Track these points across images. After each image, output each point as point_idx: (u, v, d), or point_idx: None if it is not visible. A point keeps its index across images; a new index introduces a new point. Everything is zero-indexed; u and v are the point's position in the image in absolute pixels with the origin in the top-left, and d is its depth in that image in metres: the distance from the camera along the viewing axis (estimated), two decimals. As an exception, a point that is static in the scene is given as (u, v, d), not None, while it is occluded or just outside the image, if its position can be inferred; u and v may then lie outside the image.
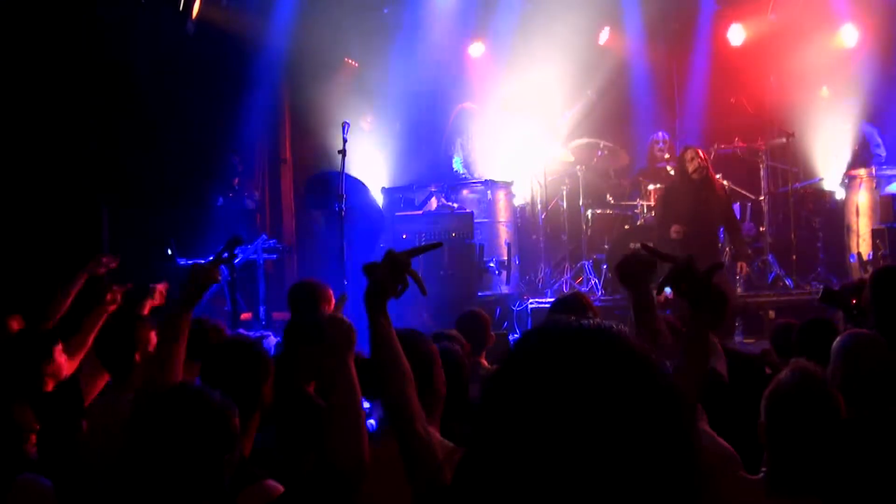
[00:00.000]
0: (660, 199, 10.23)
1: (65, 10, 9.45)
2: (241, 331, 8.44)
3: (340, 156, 8.61)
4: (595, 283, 10.63)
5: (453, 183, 10.99)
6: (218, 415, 2.60)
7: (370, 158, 12.11)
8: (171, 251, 10.15)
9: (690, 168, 9.48)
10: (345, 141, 8.81)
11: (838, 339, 4.02)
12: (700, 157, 9.50)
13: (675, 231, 9.43)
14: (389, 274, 2.62)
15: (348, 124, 8.85)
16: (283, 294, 10.65)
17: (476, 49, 12.63)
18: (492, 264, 10.28)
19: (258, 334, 6.45)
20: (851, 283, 5.92)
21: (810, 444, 2.83)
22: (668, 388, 1.25)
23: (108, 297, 5.24)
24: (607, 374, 1.22)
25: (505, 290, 10.38)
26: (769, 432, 2.89)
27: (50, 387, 4.42)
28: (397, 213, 10.27)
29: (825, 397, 2.87)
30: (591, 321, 1.32)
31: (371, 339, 2.64)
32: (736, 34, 12.18)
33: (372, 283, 2.63)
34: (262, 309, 10.64)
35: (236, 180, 11.28)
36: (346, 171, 8.87)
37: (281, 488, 3.04)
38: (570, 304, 4.76)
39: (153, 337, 4.46)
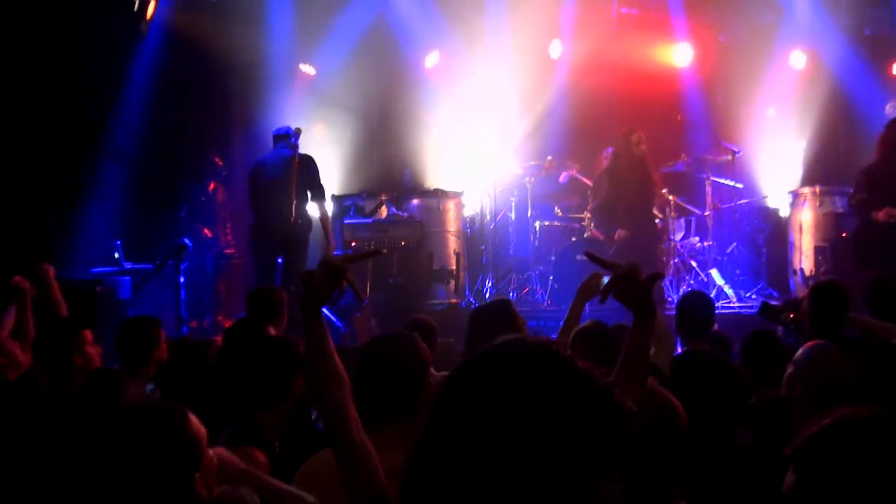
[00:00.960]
0: (606, 172, 10.69)
1: (13, 6, 9.34)
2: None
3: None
4: (541, 293, 10.71)
5: (404, 192, 11.01)
6: (177, 432, 2.44)
7: (321, 165, 12.06)
8: (118, 254, 10.05)
9: (636, 151, 10.15)
10: (296, 146, 8.82)
11: (801, 349, 4.06)
12: (644, 142, 10.23)
13: (619, 236, 10.03)
14: (326, 281, 2.60)
15: (300, 131, 8.86)
16: (233, 301, 10.65)
17: (431, 59, 12.67)
18: (440, 273, 10.33)
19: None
20: (791, 300, 6.08)
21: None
22: (608, 400, 1.38)
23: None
24: (551, 387, 1.34)
25: (453, 299, 10.43)
26: None
27: (12, 377, 4.34)
28: (346, 221, 10.25)
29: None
30: (533, 337, 1.42)
31: (306, 345, 2.64)
32: (683, 54, 12.35)
33: (307, 290, 2.61)
34: (207, 318, 10.54)
35: (212, 185, 11.11)
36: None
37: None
38: (493, 312, 4.49)
39: (89, 336, 4.43)
